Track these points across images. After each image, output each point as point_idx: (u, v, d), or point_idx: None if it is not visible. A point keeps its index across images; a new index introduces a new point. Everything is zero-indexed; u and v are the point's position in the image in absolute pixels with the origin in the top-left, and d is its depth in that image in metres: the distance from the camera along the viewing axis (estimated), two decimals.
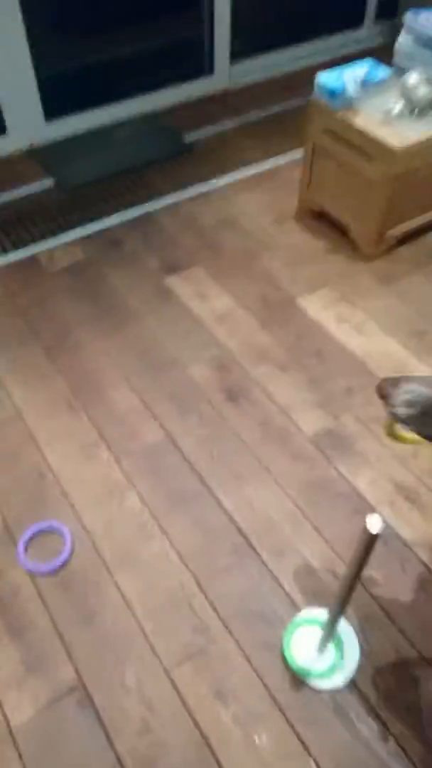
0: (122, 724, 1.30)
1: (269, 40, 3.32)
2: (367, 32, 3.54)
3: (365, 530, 0.95)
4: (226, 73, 3.19)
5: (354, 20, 3.53)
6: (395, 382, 1.06)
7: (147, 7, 2.97)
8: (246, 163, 2.76)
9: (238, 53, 3.18)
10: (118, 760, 1.26)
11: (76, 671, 1.37)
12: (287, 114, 3.04)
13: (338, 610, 1.20)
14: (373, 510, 1.62)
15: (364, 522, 0.95)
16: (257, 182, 2.66)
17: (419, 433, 1.07)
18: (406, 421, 1.05)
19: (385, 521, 0.96)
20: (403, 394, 1.04)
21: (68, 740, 1.29)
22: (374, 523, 0.94)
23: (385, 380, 1.07)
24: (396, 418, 1.06)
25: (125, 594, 1.48)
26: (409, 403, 1.03)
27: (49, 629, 1.43)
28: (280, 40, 3.34)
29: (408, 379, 1.06)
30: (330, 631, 1.30)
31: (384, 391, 1.06)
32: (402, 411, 1.04)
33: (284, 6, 3.42)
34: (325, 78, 2.11)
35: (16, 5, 2.45)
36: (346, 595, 1.14)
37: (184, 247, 2.37)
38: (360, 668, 1.37)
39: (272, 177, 2.69)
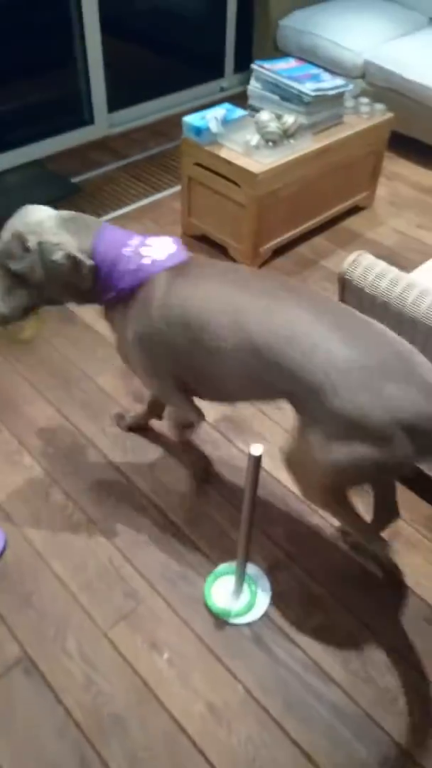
0: (68, 683, 1.44)
1: (143, 92, 3.67)
2: (228, 82, 3.97)
3: (250, 455, 1.18)
4: (106, 121, 3.49)
5: (217, 72, 3.97)
6: None
7: (27, 65, 3.24)
8: (131, 198, 3.04)
9: (115, 104, 3.50)
10: (68, 712, 1.40)
11: (21, 646, 1.50)
12: (164, 154, 3.37)
13: (244, 539, 1.42)
14: (268, 475, 1.87)
15: (249, 450, 1.19)
16: (143, 213, 2.93)
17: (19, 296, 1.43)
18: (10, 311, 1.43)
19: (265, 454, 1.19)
20: None
21: (20, 705, 1.41)
22: (256, 448, 1.18)
23: None
24: (4, 319, 1.44)
25: (59, 575, 1.63)
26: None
27: None
28: (153, 91, 3.70)
29: None
30: (241, 569, 1.51)
31: None
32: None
33: (154, 62, 3.81)
34: (191, 119, 2.44)
35: None
36: (248, 528, 1.36)
37: None
38: (272, 604, 1.59)
39: (156, 208, 2.97)
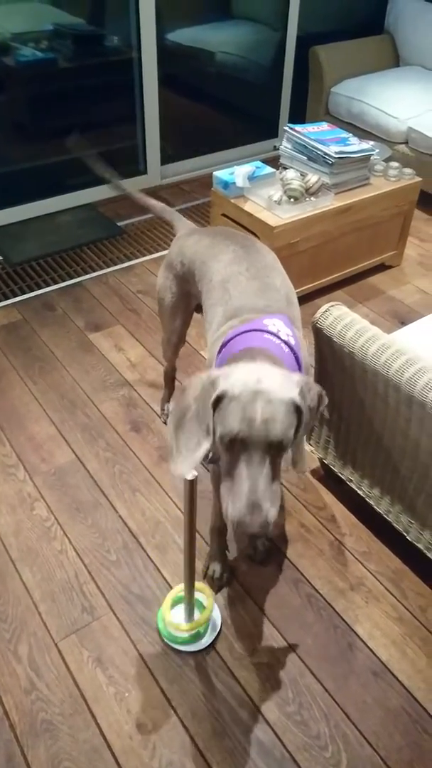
0: (11, 685, 1.52)
1: (198, 146, 3.92)
2: (281, 142, 4.16)
3: (185, 480, 1.25)
4: (158, 172, 3.73)
5: (271, 132, 4.19)
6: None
7: (93, 120, 3.56)
8: (168, 243, 3.21)
9: (168, 157, 3.75)
10: (6, 712, 1.47)
11: None
12: (207, 205, 3.55)
13: (188, 562, 1.47)
14: None
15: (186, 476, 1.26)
16: None
17: None
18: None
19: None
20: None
21: None
22: (192, 474, 1.25)
23: None
24: None
25: (26, 581, 1.73)
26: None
27: None
28: (208, 146, 3.95)
29: None
30: (189, 596, 1.56)
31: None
32: None
33: (212, 119, 4.06)
34: (220, 173, 2.60)
35: None
36: (191, 551, 1.42)
37: (108, 310, 2.76)
38: (221, 637, 1.62)
39: None
